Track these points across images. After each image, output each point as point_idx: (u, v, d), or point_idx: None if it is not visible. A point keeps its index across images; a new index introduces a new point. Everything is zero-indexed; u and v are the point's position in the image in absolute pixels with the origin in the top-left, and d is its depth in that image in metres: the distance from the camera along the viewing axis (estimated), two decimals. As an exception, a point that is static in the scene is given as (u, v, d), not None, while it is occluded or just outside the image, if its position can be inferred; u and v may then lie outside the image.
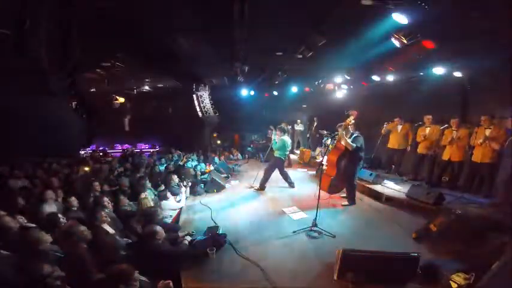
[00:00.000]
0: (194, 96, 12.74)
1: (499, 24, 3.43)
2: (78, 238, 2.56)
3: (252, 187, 6.20)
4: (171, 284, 2.41)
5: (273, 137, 6.14)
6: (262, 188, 5.97)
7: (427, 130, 5.73)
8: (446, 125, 5.43)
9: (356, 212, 4.65)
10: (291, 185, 6.08)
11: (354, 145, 4.57)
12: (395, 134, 6.44)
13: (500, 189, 4.19)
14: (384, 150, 6.92)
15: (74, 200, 3.81)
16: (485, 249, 2.82)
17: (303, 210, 4.66)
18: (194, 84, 12.58)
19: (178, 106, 13.42)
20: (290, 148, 6.16)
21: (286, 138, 5.96)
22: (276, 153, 5.91)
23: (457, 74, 5.24)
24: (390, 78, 6.41)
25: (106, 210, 3.66)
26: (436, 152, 5.67)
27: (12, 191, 4.34)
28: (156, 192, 5.04)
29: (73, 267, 2.38)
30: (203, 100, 13.01)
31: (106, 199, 3.81)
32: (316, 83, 9.41)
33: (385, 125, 6.58)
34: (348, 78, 7.75)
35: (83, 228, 2.64)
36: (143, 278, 2.41)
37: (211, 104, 13.20)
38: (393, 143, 6.47)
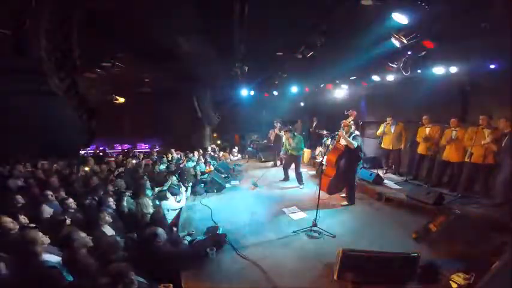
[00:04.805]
0: (194, 96, 12.73)
1: (499, 24, 3.43)
2: (78, 244, 2.54)
3: (252, 187, 6.21)
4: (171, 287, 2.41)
5: (275, 134, 6.46)
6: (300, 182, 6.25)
7: (427, 130, 5.71)
8: (447, 125, 5.42)
9: (356, 212, 4.65)
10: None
11: (355, 143, 4.57)
12: (389, 134, 6.44)
13: (500, 190, 4.18)
14: (380, 150, 6.94)
15: (71, 202, 3.79)
16: (485, 249, 2.82)
17: (303, 210, 4.66)
18: (194, 85, 12.56)
19: (178, 106, 13.41)
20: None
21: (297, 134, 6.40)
22: (294, 152, 6.25)
23: (456, 72, 5.21)
24: (390, 78, 6.39)
25: (109, 210, 3.67)
26: (435, 151, 5.65)
27: (12, 191, 4.34)
28: (154, 193, 5.03)
29: (74, 273, 2.37)
30: (203, 100, 12.99)
31: (111, 199, 3.80)
32: (318, 87, 9.43)
33: (383, 126, 6.58)
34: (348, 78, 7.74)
35: (83, 234, 2.62)
36: (141, 280, 2.40)
37: (212, 104, 13.17)
38: (387, 143, 6.48)
